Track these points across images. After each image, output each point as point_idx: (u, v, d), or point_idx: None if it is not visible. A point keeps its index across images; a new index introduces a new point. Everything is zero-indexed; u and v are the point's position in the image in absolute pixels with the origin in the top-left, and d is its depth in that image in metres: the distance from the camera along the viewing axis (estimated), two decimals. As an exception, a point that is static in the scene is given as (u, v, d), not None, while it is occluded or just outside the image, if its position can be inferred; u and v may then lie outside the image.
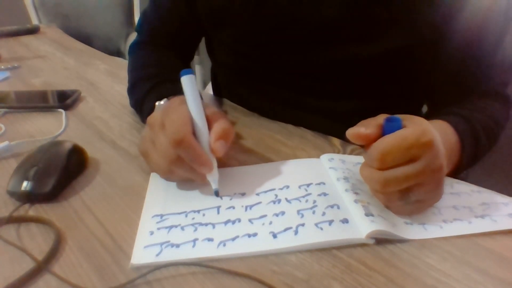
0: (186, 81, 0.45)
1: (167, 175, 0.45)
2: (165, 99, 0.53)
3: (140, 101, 0.60)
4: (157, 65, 0.67)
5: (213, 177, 0.44)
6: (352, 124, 0.41)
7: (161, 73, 0.63)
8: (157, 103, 0.54)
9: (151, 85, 0.59)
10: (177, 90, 0.48)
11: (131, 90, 0.66)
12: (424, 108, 0.73)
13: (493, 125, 0.56)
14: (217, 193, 0.44)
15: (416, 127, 0.38)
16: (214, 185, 0.44)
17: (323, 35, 0.58)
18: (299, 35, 0.59)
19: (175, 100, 0.46)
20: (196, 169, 0.43)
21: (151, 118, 0.45)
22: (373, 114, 0.42)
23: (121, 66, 0.94)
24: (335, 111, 0.65)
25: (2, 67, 0.93)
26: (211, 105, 0.49)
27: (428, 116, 0.41)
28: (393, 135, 0.37)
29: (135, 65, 0.69)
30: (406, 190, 0.38)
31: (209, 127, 0.45)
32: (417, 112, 0.72)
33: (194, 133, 0.43)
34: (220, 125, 0.45)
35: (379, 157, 0.37)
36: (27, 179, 0.44)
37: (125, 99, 0.73)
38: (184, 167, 0.43)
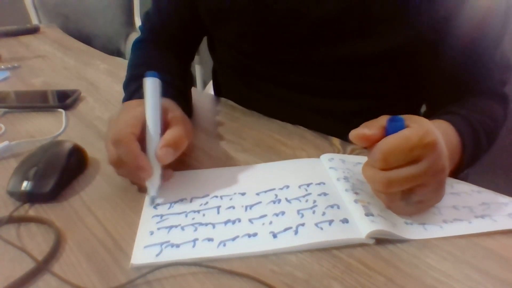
0: (147, 83, 0.45)
1: (117, 172, 0.46)
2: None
3: (126, 99, 0.59)
4: (150, 66, 0.66)
5: (151, 183, 0.43)
6: (352, 123, 0.41)
7: (163, 73, 0.63)
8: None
9: (137, 85, 0.58)
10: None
11: (125, 87, 0.66)
12: (423, 108, 0.73)
13: (492, 124, 0.56)
14: (152, 201, 0.43)
15: (419, 128, 0.38)
16: (151, 192, 0.43)
17: (324, 32, 0.58)
18: (299, 32, 0.59)
19: (136, 101, 0.47)
20: (135, 171, 0.42)
21: (110, 117, 0.46)
22: (373, 113, 0.42)
23: (121, 66, 0.94)
24: (335, 111, 0.65)
25: (2, 67, 0.93)
26: (178, 110, 0.48)
27: (426, 116, 0.41)
28: (396, 136, 0.37)
29: (132, 63, 0.69)
30: (408, 190, 0.38)
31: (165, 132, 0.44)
32: (416, 111, 0.72)
33: (145, 137, 0.43)
34: (172, 132, 0.44)
35: (382, 158, 0.37)
36: (27, 179, 0.44)
37: (125, 99, 0.73)
38: (125, 168, 0.44)
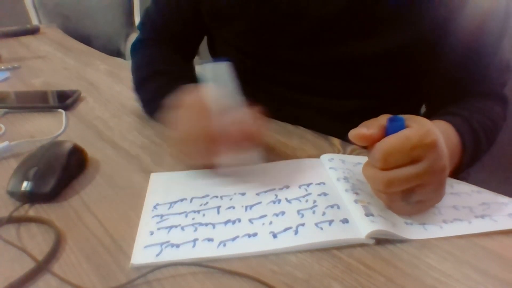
0: (222, 68, 0.47)
1: (203, 157, 0.46)
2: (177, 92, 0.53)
3: (156, 94, 0.58)
4: (165, 62, 0.67)
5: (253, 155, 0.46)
6: (352, 123, 0.40)
7: (175, 69, 0.64)
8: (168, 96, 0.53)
9: (168, 78, 0.59)
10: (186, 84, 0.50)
11: (141, 86, 0.65)
12: (423, 108, 0.73)
13: (491, 125, 0.57)
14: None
15: (419, 128, 0.38)
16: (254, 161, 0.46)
17: (325, 32, 0.58)
18: (301, 32, 0.59)
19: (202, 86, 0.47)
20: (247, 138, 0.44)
21: (189, 99, 0.46)
22: (373, 113, 0.42)
23: (121, 66, 0.94)
24: (335, 111, 0.65)
25: (2, 67, 0.93)
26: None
27: (426, 116, 0.41)
28: (396, 135, 0.37)
29: (141, 62, 0.69)
30: (408, 190, 0.38)
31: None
32: (416, 112, 0.72)
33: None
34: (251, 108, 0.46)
35: (383, 157, 0.37)
36: (27, 179, 0.44)
37: (125, 99, 0.73)
38: (225, 144, 0.43)
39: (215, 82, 0.46)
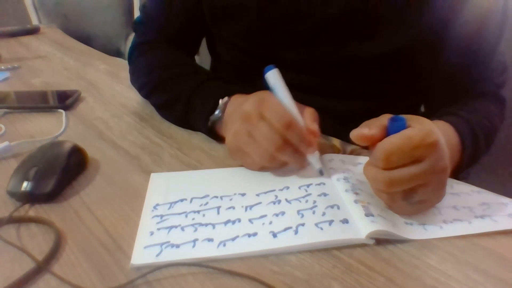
0: (274, 75, 0.48)
1: (267, 164, 0.47)
2: (226, 98, 0.54)
3: (186, 98, 0.58)
4: (186, 63, 0.67)
5: (315, 157, 0.47)
6: (352, 124, 0.41)
7: (198, 71, 0.64)
8: (221, 100, 0.54)
9: (198, 81, 0.58)
10: (234, 88, 0.54)
11: (160, 87, 0.64)
12: (422, 109, 0.73)
13: (490, 126, 0.57)
14: (321, 172, 0.46)
15: (421, 128, 0.38)
16: (318, 165, 0.47)
17: (327, 33, 0.58)
18: (302, 32, 0.59)
19: (261, 93, 0.48)
20: (302, 150, 0.45)
21: (243, 113, 0.46)
22: (373, 114, 0.42)
23: (121, 66, 0.94)
24: (336, 111, 0.65)
25: (2, 67, 0.93)
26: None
27: (425, 116, 0.41)
28: (398, 135, 0.37)
29: (157, 63, 0.67)
30: (409, 190, 0.38)
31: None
32: (414, 112, 0.72)
33: None
34: (309, 111, 0.48)
35: (384, 157, 0.37)
36: (27, 179, 0.44)
37: (125, 99, 0.73)
38: (288, 151, 0.45)
39: (273, 89, 0.48)
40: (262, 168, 0.49)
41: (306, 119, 0.47)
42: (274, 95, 0.47)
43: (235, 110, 0.51)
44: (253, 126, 0.44)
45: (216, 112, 0.54)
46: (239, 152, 0.47)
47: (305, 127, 0.46)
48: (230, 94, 0.54)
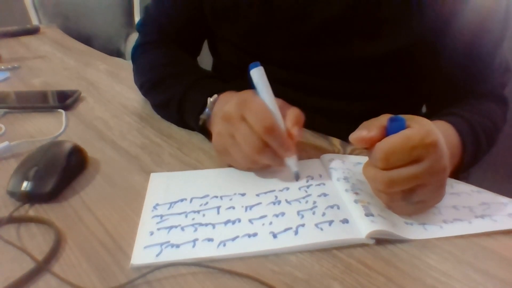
0: (258, 73, 0.46)
1: (250, 166, 0.47)
2: (215, 95, 0.53)
3: (178, 97, 0.58)
4: (182, 63, 0.67)
5: (293, 161, 0.46)
6: (353, 124, 0.40)
7: (194, 71, 0.63)
8: (209, 99, 0.54)
9: (190, 81, 0.59)
10: (224, 87, 0.53)
11: (157, 87, 0.64)
12: (423, 109, 0.73)
13: (491, 127, 0.57)
14: (297, 176, 0.46)
15: (420, 128, 0.38)
16: (294, 168, 0.46)
17: (328, 33, 0.58)
18: (303, 32, 0.59)
19: (244, 93, 0.47)
20: (281, 154, 0.44)
21: (225, 113, 0.45)
22: (374, 114, 0.42)
23: (121, 66, 0.94)
24: (336, 111, 0.65)
25: (2, 67, 0.93)
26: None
27: (427, 117, 0.41)
28: (397, 135, 0.37)
29: (155, 63, 0.68)
30: (409, 190, 0.38)
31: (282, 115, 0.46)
32: (416, 112, 0.72)
33: None
34: (293, 112, 0.46)
35: (384, 157, 0.37)
36: (27, 179, 0.44)
37: (125, 99, 0.73)
38: (268, 154, 0.44)
39: (256, 87, 0.47)
40: (248, 169, 0.48)
41: (287, 121, 0.45)
42: (257, 93, 0.46)
43: (219, 109, 0.51)
44: (234, 128, 0.44)
45: (206, 110, 0.54)
46: (224, 152, 0.47)
47: (285, 129, 0.45)
48: (220, 92, 0.54)
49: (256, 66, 0.46)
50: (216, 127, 0.47)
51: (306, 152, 0.54)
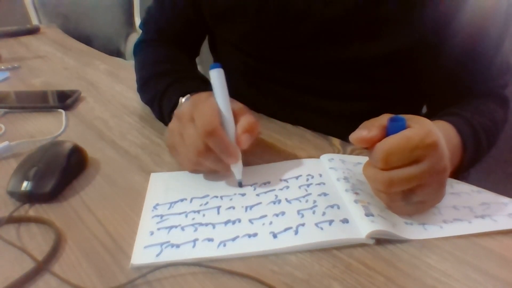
0: (215, 74, 0.45)
1: (195, 167, 0.47)
2: (188, 95, 0.53)
3: (159, 95, 0.60)
4: (171, 62, 0.67)
5: (237, 168, 0.46)
6: (354, 125, 0.40)
7: (178, 70, 0.64)
8: (181, 99, 0.53)
9: (170, 80, 0.60)
10: (199, 87, 0.52)
11: (145, 85, 0.66)
12: (424, 109, 0.73)
13: (492, 127, 0.57)
14: (240, 184, 0.46)
15: (420, 128, 0.38)
16: (238, 176, 0.46)
17: (329, 33, 0.58)
18: (304, 33, 0.59)
19: (203, 94, 0.47)
20: (224, 159, 0.44)
21: (179, 111, 0.46)
22: (375, 114, 0.42)
23: (121, 66, 0.94)
24: (336, 111, 0.65)
25: (2, 67, 0.93)
26: (236, 101, 0.50)
27: (427, 117, 0.41)
28: (397, 136, 0.37)
29: (146, 61, 0.69)
30: (409, 190, 0.38)
31: (235, 120, 0.46)
32: (417, 113, 0.72)
33: (222, 126, 0.44)
34: (246, 119, 0.46)
35: (384, 158, 0.37)
36: (27, 179, 0.44)
37: (125, 99, 0.73)
38: (211, 158, 0.44)
39: (213, 88, 0.46)
40: (193, 170, 0.48)
41: (238, 127, 0.45)
42: (213, 95, 0.46)
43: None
44: (184, 127, 0.44)
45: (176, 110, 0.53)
46: (173, 149, 0.48)
47: (235, 135, 0.45)
48: (195, 92, 0.53)
49: (215, 67, 0.46)
50: (170, 124, 0.48)
51: (306, 151, 0.55)
